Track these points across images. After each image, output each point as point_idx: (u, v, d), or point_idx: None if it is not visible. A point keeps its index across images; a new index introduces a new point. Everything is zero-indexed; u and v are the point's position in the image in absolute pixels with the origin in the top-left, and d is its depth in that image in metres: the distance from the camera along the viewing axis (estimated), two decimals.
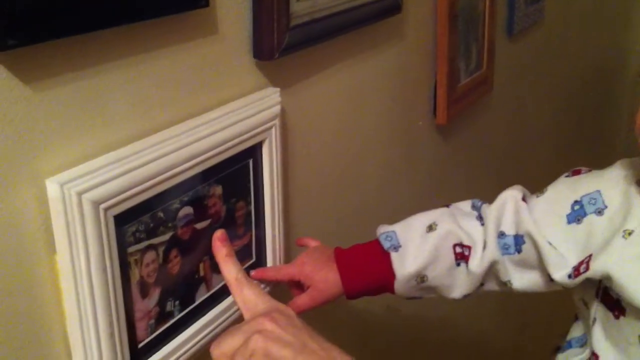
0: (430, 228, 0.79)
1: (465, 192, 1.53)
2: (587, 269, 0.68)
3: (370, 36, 1.04)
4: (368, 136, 1.12)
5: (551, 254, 0.71)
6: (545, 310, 1.86)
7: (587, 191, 0.70)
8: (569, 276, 0.70)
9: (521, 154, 1.83)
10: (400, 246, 0.79)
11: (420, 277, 0.79)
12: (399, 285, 0.80)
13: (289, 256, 0.90)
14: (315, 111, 0.95)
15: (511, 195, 0.77)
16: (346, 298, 0.82)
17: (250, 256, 0.84)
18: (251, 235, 0.83)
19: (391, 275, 0.79)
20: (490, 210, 0.78)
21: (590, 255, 0.68)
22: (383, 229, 0.82)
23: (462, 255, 0.77)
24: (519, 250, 0.75)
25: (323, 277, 0.80)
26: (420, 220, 0.81)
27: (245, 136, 0.76)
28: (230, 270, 0.68)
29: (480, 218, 0.78)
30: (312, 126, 0.95)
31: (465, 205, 0.81)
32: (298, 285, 0.82)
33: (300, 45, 0.85)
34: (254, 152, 0.80)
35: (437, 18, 1.25)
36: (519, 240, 0.75)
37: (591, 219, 0.69)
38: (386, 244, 0.79)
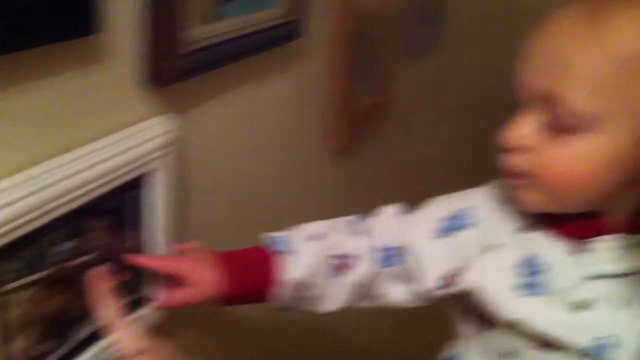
0: (315, 237, 0.79)
1: (367, 213, 1.55)
2: (455, 282, 0.71)
3: (270, 60, 1.03)
4: (268, 160, 1.11)
5: (425, 265, 0.73)
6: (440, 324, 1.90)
7: (460, 207, 0.73)
8: (438, 288, 0.73)
9: (420, 175, 1.87)
10: (287, 250, 0.78)
11: (302, 285, 0.78)
12: (280, 291, 0.78)
13: None
14: (215, 136, 0.94)
15: (389, 210, 0.79)
16: (223, 302, 0.78)
17: (142, 289, 0.81)
18: (143, 270, 0.80)
19: (275, 279, 0.77)
20: (368, 224, 0.79)
21: (458, 269, 0.71)
22: (270, 234, 0.80)
23: (342, 266, 0.77)
24: (394, 263, 0.76)
25: (201, 274, 0.76)
26: (309, 228, 0.81)
27: (135, 165, 0.74)
28: (107, 309, 0.66)
29: (359, 232, 0.79)
30: (211, 152, 0.93)
31: (351, 219, 0.82)
32: (174, 282, 0.77)
33: (198, 70, 0.83)
34: (145, 181, 0.78)
35: (336, 42, 1.25)
36: (395, 252, 0.76)
37: (461, 233, 0.72)
38: (274, 247, 0.78)
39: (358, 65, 1.36)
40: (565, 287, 0.66)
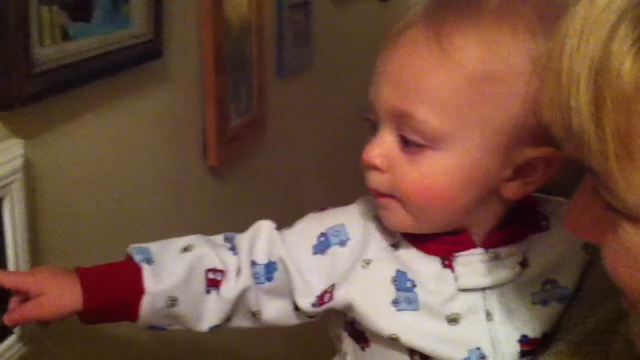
0: (186, 249, 0.75)
1: (244, 232, 1.54)
2: (331, 298, 0.71)
3: (130, 81, 1.01)
4: (138, 182, 1.08)
5: (300, 281, 0.72)
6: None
7: (333, 224, 0.73)
8: (314, 305, 0.72)
9: (299, 191, 1.89)
10: (154, 261, 0.73)
11: (171, 299, 0.72)
12: (147, 304, 0.72)
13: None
14: (73, 160, 0.90)
15: (265, 225, 0.77)
16: (82, 321, 0.72)
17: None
18: None
19: (140, 291, 0.71)
20: (243, 240, 0.76)
21: (333, 285, 0.71)
22: (135, 246, 0.76)
23: (214, 281, 0.74)
24: (270, 279, 0.74)
25: (58, 285, 0.70)
26: (176, 241, 0.76)
27: None
28: None
29: (233, 249, 0.76)
30: (70, 177, 0.89)
31: (219, 238, 0.79)
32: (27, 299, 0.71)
33: (47, 93, 0.79)
34: None
35: (204, 61, 1.24)
36: (271, 268, 0.74)
37: (335, 250, 0.72)
38: (138, 257, 0.73)
39: (229, 84, 1.35)
40: (438, 302, 0.68)
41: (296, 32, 1.79)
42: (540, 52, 0.61)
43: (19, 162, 0.75)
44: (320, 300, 0.72)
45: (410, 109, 0.63)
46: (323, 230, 0.73)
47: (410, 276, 0.69)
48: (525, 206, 0.71)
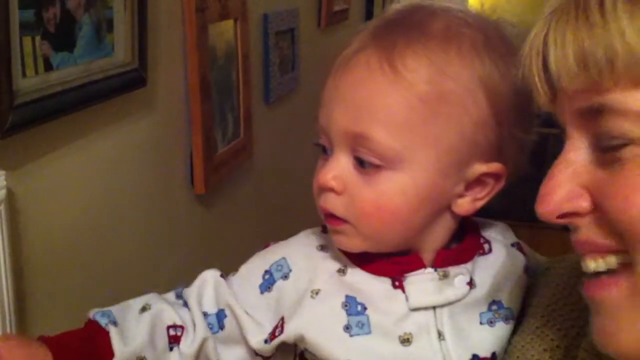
0: (144, 309, 0.74)
1: (232, 259, 1.52)
2: (281, 331, 0.70)
3: (114, 110, 1.00)
4: (124, 210, 1.07)
5: (249, 322, 0.72)
6: None
7: (274, 259, 0.73)
8: (265, 341, 0.71)
9: (288, 216, 1.88)
10: (118, 323, 0.72)
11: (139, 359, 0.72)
12: None
13: None
14: (56, 190, 0.89)
15: (210, 275, 0.76)
16: None
17: None
18: None
19: (110, 354, 0.70)
20: (190, 293, 0.76)
21: (282, 318, 0.71)
22: (97, 309, 0.74)
23: (175, 337, 0.73)
24: (222, 327, 0.74)
25: (29, 353, 0.67)
26: (133, 302, 0.76)
27: None
28: None
29: (185, 304, 0.76)
30: (53, 207, 0.89)
31: (170, 295, 0.78)
32: None
33: (29, 123, 0.79)
34: None
35: (189, 89, 1.25)
36: (220, 315, 0.74)
37: (279, 284, 0.72)
38: (103, 321, 0.72)
39: (215, 111, 1.35)
40: (389, 322, 0.68)
41: (282, 58, 1.80)
42: (488, 75, 0.64)
43: (1, 194, 0.74)
44: (272, 335, 0.71)
45: (364, 130, 0.64)
46: (267, 268, 0.73)
47: (359, 299, 0.69)
48: (470, 229, 0.73)
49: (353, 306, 0.68)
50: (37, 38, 0.80)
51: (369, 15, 2.70)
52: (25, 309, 0.83)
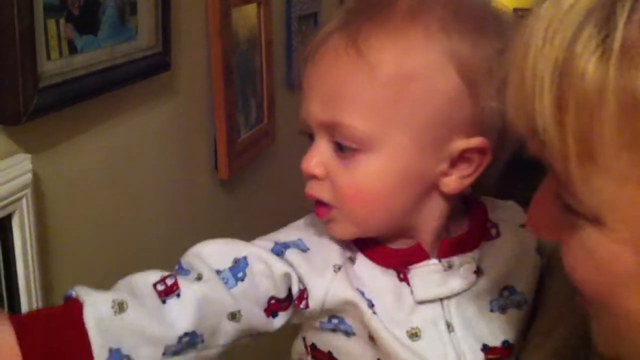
0: (120, 282, 0.65)
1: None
2: (307, 306, 0.67)
3: (138, 94, 1.00)
4: (147, 195, 1.07)
5: (280, 271, 0.66)
6: None
7: (289, 239, 0.70)
8: (289, 294, 0.67)
9: (310, 202, 1.87)
10: (86, 292, 0.60)
11: (117, 303, 0.59)
12: (89, 317, 0.57)
13: None
14: (82, 174, 0.89)
15: (210, 240, 0.69)
16: None
17: None
18: None
19: (78, 306, 0.58)
20: (187, 257, 0.68)
21: (305, 290, 0.67)
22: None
23: (167, 290, 0.63)
24: (241, 278, 0.65)
25: None
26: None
27: None
28: None
29: (183, 272, 0.66)
30: (79, 190, 0.89)
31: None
32: None
33: (54, 107, 0.79)
34: (1, 226, 0.73)
35: (212, 73, 1.24)
36: (239, 265, 0.66)
37: (293, 251, 0.68)
38: (74, 292, 0.60)
39: (237, 96, 1.35)
40: (397, 318, 0.67)
41: (305, 43, 1.79)
42: (457, 49, 0.63)
43: (27, 177, 0.74)
44: (298, 301, 0.67)
45: (336, 117, 0.64)
46: (280, 241, 0.69)
47: (367, 295, 0.67)
48: (475, 214, 0.72)
49: (364, 299, 0.67)
50: (61, 21, 0.80)
51: None
52: (51, 290, 0.83)
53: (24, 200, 0.74)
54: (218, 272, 0.65)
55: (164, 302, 0.62)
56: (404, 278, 0.68)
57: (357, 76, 0.63)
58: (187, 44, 1.15)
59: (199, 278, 0.64)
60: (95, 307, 0.58)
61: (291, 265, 0.67)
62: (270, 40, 1.51)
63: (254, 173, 1.49)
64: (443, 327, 0.68)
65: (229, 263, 0.66)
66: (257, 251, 0.67)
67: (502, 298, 0.69)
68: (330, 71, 0.65)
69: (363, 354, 0.68)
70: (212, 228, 1.32)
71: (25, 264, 0.75)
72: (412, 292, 0.68)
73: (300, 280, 0.68)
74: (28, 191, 0.74)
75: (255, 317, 0.67)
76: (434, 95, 0.63)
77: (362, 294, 0.67)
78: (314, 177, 0.68)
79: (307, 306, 0.68)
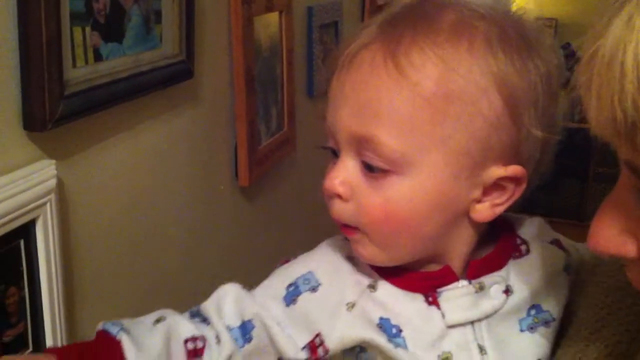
0: (158, 321, 0.68)
1: (274, 252, 1.53)
2: (326, 350, 0.66)
3: (161, 101, 1.01)
4: (168, 202, 1.08)
5: (280, 335, 0.67)
6: None
7: (300, 273, 0.68)
8: (309, 359, 0.67)
9: (325, 210, 1.87)
10: (130, 333, 0.65)
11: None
12: None
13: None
14: (105, 181, 0.90)
15: (229, 287, 0.70)
16: None
17: (27, 346, 0.76)
18: (26, 324, 0.75)
19: None
20: (208, 307, 0.69)
21: (318, 335, 0.66)
22: (109, 322, 0.67)
23: (194, 352, 0.66)
24: (248, 340, 0.68)
25: None
26: (146, 316, 0.69)
27: (13, 215, 0.70)
28: None
29: (204, 320, 0.69)
30: (101, 197, 0.89)
31: (185, 315, 0.71)
32: None
33: (79, 113, 0.80)
34: (25, 231, 0.73)
35: (234, 81, 1.24)
36: (247, 327, 0.68)
37: (306, 296, 0.67)
38: (114, 329, 0.64)
39: (259, 104, 1.35)
40: (427, 343, 0.64)
41: (325, 52, 1.79)
42: (503, 71, 0.59)
43: (51, 183, 0.75)
44: (314, 353, 0.66)
45: (369, 132, 0.60)
46: (291, 281, 0.68)
47: (393, 321, 0.64)
48: (503, 231, 0.68)
49: (388, 328, 0.64)
50: (87, 29, 0.81)
51: None
52: (73, 295, 0.84)
53: (47, 206, 0.75)
54: (229, 328, 0.67)
55: None
56: (433, 301, 0.65)
57: (396, 92, 0.59)
58: (210, 52, 1.15)
59: (218, 338, 0.66)
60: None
61: (304, 314, 0.66)
62: (292, 49, 1.51)
63: (274, 181, 1.50)
64: (475, 350, 0.64)
65: (238, 322, 0.68)
66: (262, 316, 0.67)
67: (529, 317, 0.66)
68: (367, 83, 0.61)
69: None
70: (232, 235, 1.32)
71: (48, 268, 0.75)
72: (443, 316, 0.64)
73: (309, 331, 0.66)
74: (52, 197, 0.75)
75: None
76: (474, 118, 0.59)
77: (387, 321, 0.64)
78: (337, 196, 0.64)
79: (326, 351, 0.66)
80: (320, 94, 1.75)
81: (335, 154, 0.65)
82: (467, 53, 0.59)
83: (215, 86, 1.20)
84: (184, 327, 0.67)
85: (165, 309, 0.70)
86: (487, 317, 0.65)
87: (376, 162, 0.61)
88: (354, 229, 0.64)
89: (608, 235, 0.50)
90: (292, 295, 0.67)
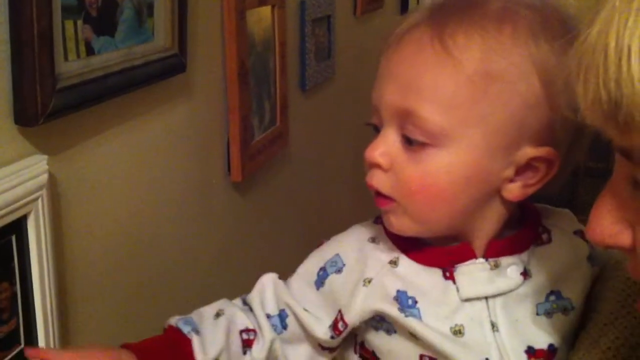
0: (218, 315, 0.76)
1: (269, 247, 1.52)
2: (345, 325, 0.71)
3: (154, 95, 1.00)
4: (161, 197, 1.07)
5: (309, 318, 0.73)
6: None
7: (329, 257, 0.74)
8: (332, 337, 0.72)
9: (324, 204, 1.87)
10: (199, 331, 0.74)
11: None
12: None
13: (66, 341, 0.81)
14: (97, 176, 0.89)
15: (268, 278, 0.78)
16: None
17: (19, 342, 0.75)
18: (17, 320, 0.74)
19: None
20: (253, 297, 0.77)
21: (340, 311, 0.72)
22: (177, 317, 0.76)
23: (248, 341, 0.75)
24: (285, 327, 0.75)
25: (116, 357, 0.69)
26: (207, 309, 0.78)
27: (4, 211, 0.69)
28: None
29: (250, 309, 0.77)
30: (93, 192, 0.88)
31: (238, 301, 0.80)
32: None
33: (71, 108, 0.79)
34: (17, 227, 0.72)
35: (227, 75, 1.24)
36: (282, 315, 0.76)
37: (332, 278, 0.73)
38: (186, 328, 0.74)
39: (252, 98, 1.34)
40: (441, 315, 0.67)
41: (318, 45, 1.78)
42: (543, 56, 0.63)
43: (43, 178, 0.74)
44: (335, 330, 0.72)
45: (412, 106, 0.64)
46: (322, 265, 0.74)
47: (410, 293, 0.68)
48: (529, 218, 0.72)
49: (404, 300, 0.68)
50: (79, 22, 0.80)
51: (404, 3, 2.66)
52: (65, 291, 0.83)
53: (39, 201, 0.74)
54: (269, 316, 0.76)
55: (244, 352, 0.75)
56: (449, 276, 0.68)
57: (440, 69, 0.63)
58: (202, 46, 1.14)
59: (260, 328, 0.75)
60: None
61: (331, 294, 0.72)
62: (284, 42, 1.51)
63: (266, 176, 1.49)
64: (487, 326, 0.67)
65: (277, 310, 0.76)
66: (291, 304, 0.74)
67: (548, 302, 0.69)
68: (413, 60, 0.65)
69: (405, 351, 0.69)
70: (225, 231, 1.31)
71: (40, 264, 0.75)
72: (457, 289, 0.68)
73: (333, 309, 0.72)
74: (44, 192, 0.74)
75: (300, 356, 0.76)
76: (513, 98, 0.63)
77: (404, 293, 0.68)
78: (377, 166, 0.67)
79: (345, 325, 0.71)
80: (312, 89, 1.75)
81: (377, 131, 0.69)
82: (510, 38, 0.63)
83: (208, 80, 1.19)
84: (239, 319, 0.75)
85: (221, 300, 0.78)
86: (502, 295, 0.68)
87: (417, 135, 0.64)
88: (389, 199, 0.68)
89: (603, 225, 0.51)
90: (321, 279, 0.74)
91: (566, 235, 0.72)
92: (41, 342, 0.76)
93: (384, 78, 0.67)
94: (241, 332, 0.75)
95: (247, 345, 0.75)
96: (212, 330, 0.74)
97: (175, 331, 0.74)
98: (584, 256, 0.71)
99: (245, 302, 0.79)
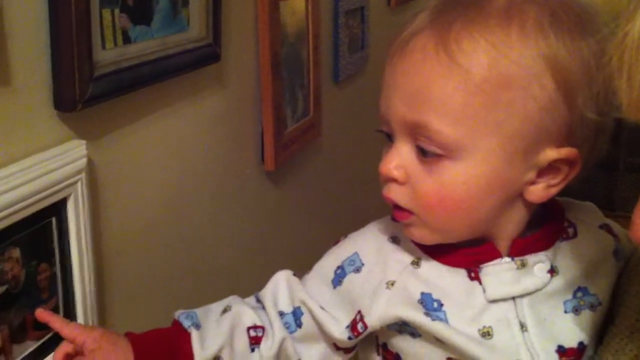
0: (225, 310, 0.74)
1: (299, 237, 1.54)
2: (365, 327, 0.69)
3: (188, 84, 1.02)
4: (195, 185, 1.09)
5: (326, 317, 0.71)
6: None
7: (347, 255, 0.72)
8: (349, 337, 0.70)
9: (354, 195, 1.88)
10: (201, 326, 0.73)
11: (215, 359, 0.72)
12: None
13: (103, 319, 0.84)
14: (133, 162, 0.91)
15: (282, 275, 0.76)
16: None
17: None
18: (57, 300, 0.76)
19: (189, 356, 0.71)
20: (265, 294, 0.75)
21: (359, 312, 0.69)
22: (182, 311, 0.75)
23: (256, 338, 0.73)
24: (299, 325, 0.73)
25: (112, 343, 0.70)
26: (215, 305, 0.76)
27: (44, 193, 0.71)
28: None
29: (263, 307, 0.75)
30: (129, 178, 0.91)
31: (251, 299, 0.78)
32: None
33: (108, 95, 0.81)
34: (57, 209, 0.75)
35: (260, 65, 1.25)
36: (297, 314, 0.73)
37: (350, 277, 0.70)
38: (187, 322, 0.73)
39: (285, 89, 1.36)
40: (468, 317, 0.66)
41: (351, 37, 1.79)
42: (554, 53, 0.59)
43: (82, 162, 0.76)
44: (354, 331, 0.70)
45: (422, 119, 0.61)
46: (339, 264, 0.72)
47: (435, 296, 0.66)
48: (553, 213, 0.69)
49: (429, 303, 0.66)
50: (116, 11, 0.82)
51: None
52: (103, 272, 0.85)
53: (78, 185, 0.76)
54: (282, 314, 0.74)
55: (252, 350, 0.73)
56: (475, 277, 0.66)
57: (447, 79, 0.60)
58: (236, 36, 1.16)
59: (271, 325, 0.73)
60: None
61: (348, 294, 0.70)
62: (318, 34, 1.52)
63: (299, 166, 1.50)
64: (516, 326, 0.65)
65: (290, 308, 0.74)
66: (307, 302, 0.72)
67: (575, 299, 0.67)
68: (418, 71, 0.62)
69: (431, 354, 0.67)
70: (258, 219, 1.33)
71: (79, 245, 0.77)
72: (484, 290, 0.66)
73: (352, 310, 0.70)
74: (82, 176, 0.77)
75: (317, 358, 0.74)
76: (527, 103, 0.60)
77: (429, 295, 0.66)
78: (392, 180, 0.65)
79: (365, 327, 0.69)
80: (345, 80, 1.75)
81: (389, 138, 0.67)
82: (518, 38, 0.60)
83: (241, 70, 1.21)
84: (247, 315, 0.73)
85: (231, 296, 0.77)
86: (529, 294, 0.66)
87: (431, 147, 0.62)
88: (407, 212, 0.66)
89: None
90: (339, 277, 0.71)
91: (592, 230, 0.70)
92: (80, 321, 0.79)
93: (390, 88, 0.64)
94: (249, 328, 0.73)
95: (254, 342, 0.73)
96: (215, 326, 0.73)
97: (177, 325, 0.73)
98: (610, 251, 0.69)
99: (258, 300, 0.77)
